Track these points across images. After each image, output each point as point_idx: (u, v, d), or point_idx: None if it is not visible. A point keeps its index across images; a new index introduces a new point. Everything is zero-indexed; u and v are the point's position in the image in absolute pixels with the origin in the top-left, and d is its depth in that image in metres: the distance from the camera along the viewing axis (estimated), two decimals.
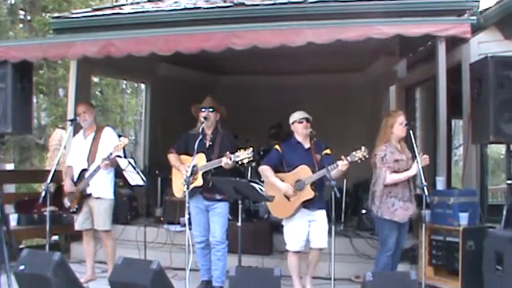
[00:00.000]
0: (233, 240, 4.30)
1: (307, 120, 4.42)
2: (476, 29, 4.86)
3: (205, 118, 4.48)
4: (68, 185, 4.78)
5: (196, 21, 5.60)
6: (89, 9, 7.36)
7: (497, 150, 8.86)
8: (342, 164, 4.10)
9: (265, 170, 4.46)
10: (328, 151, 4.39)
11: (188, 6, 6.09)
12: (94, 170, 4.67)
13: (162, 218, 6.40)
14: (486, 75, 4.34)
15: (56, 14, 8.02)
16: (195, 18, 5.74)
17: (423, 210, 4.10)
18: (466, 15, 5.18)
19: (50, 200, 4.44)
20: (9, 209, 6.08)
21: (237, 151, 4.26)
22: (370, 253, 5.33)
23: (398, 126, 4.23)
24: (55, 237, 6.29)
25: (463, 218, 4.44)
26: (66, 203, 4.79)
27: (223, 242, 4.46)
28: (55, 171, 4.57)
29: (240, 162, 4.30)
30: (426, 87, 7.46)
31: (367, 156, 4.11)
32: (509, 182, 4.47)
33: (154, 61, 7.71)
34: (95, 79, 12.92)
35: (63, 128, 9.42)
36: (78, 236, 5.42)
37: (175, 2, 6.50)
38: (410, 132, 4.21)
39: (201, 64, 8.19)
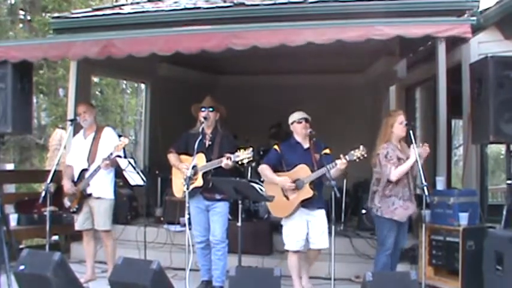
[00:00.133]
0: (233, 240, 4.30)
1: (306, 120, 4.44)
2: (476, 29, 4.85)
3: (205, 118, 4.48)
4: (67, 186, 4.77)
5: (196, 21, 5.59)
6: (89, 9, 7.36)
7: (497, 150, 8.86)
8: (341, 163, 4.10)
9: (264, 169, 4.47)
10: (327, 151, 4.40)
11: (188, 6, 6.08)
12: (94, 170, 4.67)
13: (162, 218, 6.40)
14: (486, 75, 4.33)
15: (56, 14, 8.02)
16: (195, 18, 5.73)
17: (423, 210, 4.09)
18: (466, 15, 5.18)
19: (50, 200, 4.44)
20: (9, 209, 6.07)
21: (236, 151, 4.27)
22: (370, 253, 5.33)
23: (398, 125, 4.23)
24: (55, 237, 6.29)
25: (463, 218, 4.45)
26: (66, 203, 4.79)
27: (223, 241, 4.46)
28: (55, 171, 4.57)
29: (239, 163, 4.30)
30: (426, 87, 7.46)
31: (365, 155, 4.11)
32: (509, 182, 4.47)
33: (154, 61, 7.71)
34: (95, 79, 12.92)
35: (63, 128, 9.42)
36: (78, 236, 5.42)
37: (175, 2, 6.50)
38: (410, 132, 4.22)
39: (201, 64, 8.19)
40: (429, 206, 4.42)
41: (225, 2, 6.07)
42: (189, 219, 4.28)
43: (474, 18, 4.79)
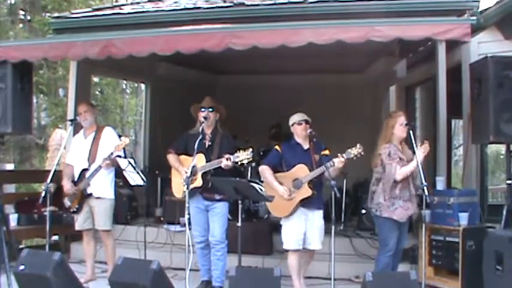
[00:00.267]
0: (233, 240, 4.30)
1: (306, 122, 4.46)
2: (476, 29, 4.86)
3: (205, 118, 4.48)
4: (67, 186, 4.77)
5: (196, 21, 5.60)
6: (89, 9, 7.36)
7: (497, 150, 8.86)
8: (338, 162, 4.13)
9: (264, 170, 4.49)
10: (326, 152, 4.42)
11: (188, 6, 6.08)
12: (95, 170, 4.67)
13: (162, 218, 6.40)
14: (486, 75, 4.33)
15: (56, 14, 8.03)
16: (195, 18, 5.73)
17: (423, 210, 4.10)
18: (466, 15, 5.18)
19: (50, 200, 4.44)
20: (9, 209, 6.07)
21: (236, 152, 4.27)
22: (370, 253, 5.33)
23: (398, 127, 4.23)
24: (55, 237, 6.28)
25: (463, 218, 4.45)
26: (67, 203, 4.79)
27: (222, 241, 4.46)
28: (55, 171, 4.57)
29: (239, 163, 4.30)
30: (426, 87, 7.46)
31: (362, 153, 4.13)
32: (509, 182, 4.47)
33: (154, 61, 7.71)
34: (95, 79, 12.92)
35: (63, 128, 9.43)
36: (78, 236, 5.42)
37: (175, 2, 6.50)
38: (410, 132, 4.22)
39: (201, 64, 8.19)
40: (429, 206, 4.42)
41: (225, 2, 6.07)
42: (189, 219, 4.27)
43: (474, 18, 4.79)
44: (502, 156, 7.43)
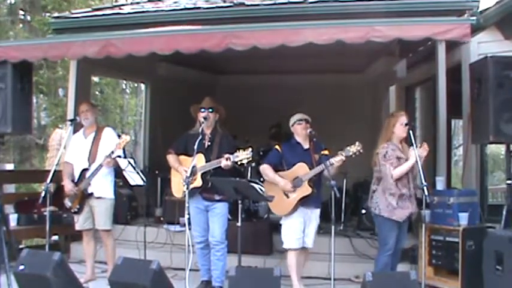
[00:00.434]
0: (233, 240, 4.30)
1: (307, 121, 4.49)
2: (476, 29, 4.86)
3: (204, 118, 4.48)
4: (68, 187, 4.76)
5: (196, 21, 5.59)
6: (89, 9, 7.36)
7: (497, 150, 8.85)
8: (337, 160, 4.15)
9: (265, 168, 4.52)
10: (326, 152, 4.44)
11: (188, 6, 6.09)
12: (96, 169, 4.67)
13: (162, 218, 6.40)
14: (486, 75, 4.33)
15: (56, 14, 8.04)
16: (195, 18, 5.73)
17: (423, 210, 4.09)
18: (466, 15, 5.18)
19: (49, 200, 4.44)
20: (9, 209, 6.07)
21: (236, 151, 4.27)
22: (370, 253, 5.33)
23: (399, 126, 4.23)
24: (55, 237, 6.28)
25: (463, 218, 4.45)
26: (68, 203, 4.78)
27: (222, 242, 4.46)
28: (55, 171, 4.57)
29: (239, 163, 4.30)
30: (426, 87, 7.46)
31: (361, 151, 4.16)
32: (509, 182, 4.47)
33: (154, 61, 7.71)
34: (95, 79, 12.92)
35: (63, 128, 9.43)
36: (78, 236, 5.41)
37: (175, 2, 6.50)
38: (410, 132, 4.22)
39: (201, 64, 8.19)
40: (429, 206, 4.42)
41: (225, 2, 6.07)
42: (189, 219, 4.27)
43: (474, 18, 4.79)
44: (502, 156, 7.42)
